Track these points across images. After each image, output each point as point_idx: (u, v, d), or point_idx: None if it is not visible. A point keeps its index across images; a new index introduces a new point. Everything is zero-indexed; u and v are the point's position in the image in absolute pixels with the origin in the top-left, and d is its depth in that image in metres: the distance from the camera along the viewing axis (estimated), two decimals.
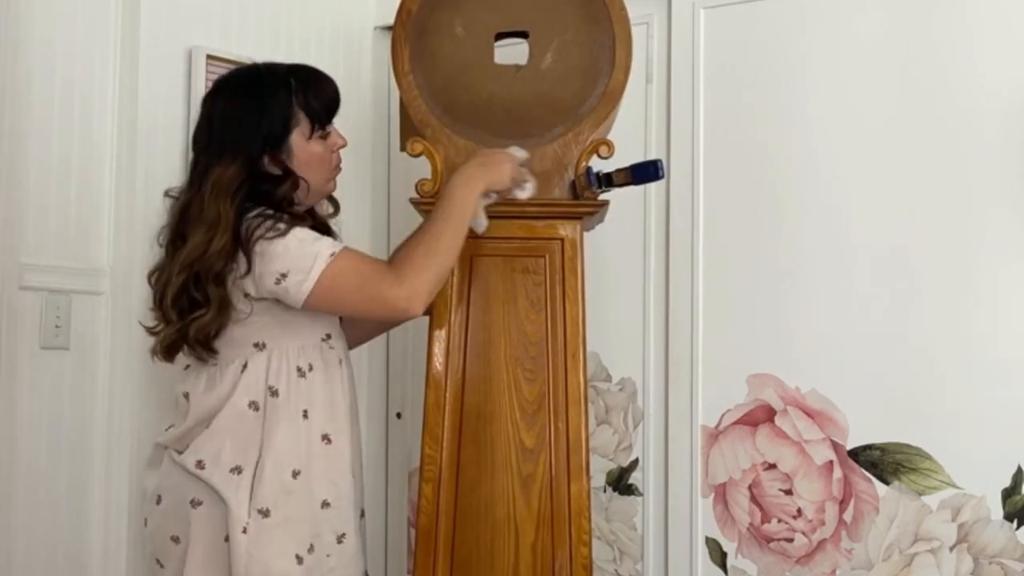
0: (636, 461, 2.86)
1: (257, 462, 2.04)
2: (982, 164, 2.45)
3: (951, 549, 2.45)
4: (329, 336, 2.14)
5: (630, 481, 2.87)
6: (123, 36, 2.73)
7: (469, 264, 2.27)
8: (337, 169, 2.19)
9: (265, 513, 2.02)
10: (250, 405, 2.06)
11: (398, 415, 3.21)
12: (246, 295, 2.04)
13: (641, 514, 2.85)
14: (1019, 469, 2.40)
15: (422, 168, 2.33)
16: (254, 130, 2.07)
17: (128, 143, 2.71)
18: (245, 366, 2.07)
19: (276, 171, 2.08)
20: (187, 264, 2.03)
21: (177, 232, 2.09)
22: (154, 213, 2.69)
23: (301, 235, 2.02)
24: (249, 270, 2.01)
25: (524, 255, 2.27)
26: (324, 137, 2.15)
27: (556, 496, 2.22)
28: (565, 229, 2.27)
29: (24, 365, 2.55)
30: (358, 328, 2.34)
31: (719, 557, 2.73)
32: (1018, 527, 2.40)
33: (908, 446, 2.51)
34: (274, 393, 2.06)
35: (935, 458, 2.48)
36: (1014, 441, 2.40)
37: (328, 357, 2.14)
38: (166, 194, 2.17)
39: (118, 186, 2.71)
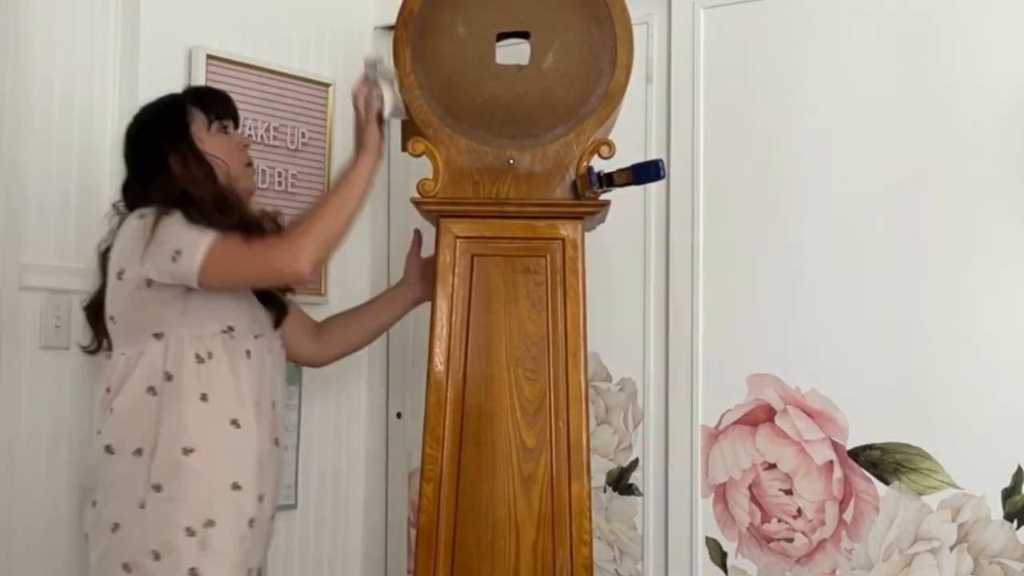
0: (636, 461, 2.86)
1: (153, 442, 2.17)
2: (982, 164, 2.45)
3: (951, 549, 2.46)
4: (232, 328, 2.25)
5: (630, 481, 2.87)
6: (123, 36, 2.73)
7: (470, 264, 2.27)
8: (249, 168, 2.38)
9: (158, 488, 2.16)
10: (148, 390, 2.20)
11: (398, 415, 3.21)
12: (148, 282, 2.18)
13: (641, 514, 2.85)
14: (1019, 469, 2.40)
15: (422, 168, 2.34)
16: (158, 133, 2.32)
17: None
18: (142, 353, 2.21)
19: (182, 164, 2.27)
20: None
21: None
22: None
23: (186, 225, 2.17)
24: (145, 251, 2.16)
25: (525, 255, 2.27)
26: (224, 131, 2.35)
27: (557, 496, 2.22)
28: (566, 229, 2.27)
29: (24, 365, 2.54)
30: (349, 332, 2.54)
31: (719, 557, 2.73)
32: (1018, 527, 2.40)
33: (908, 446, 2.51)
34: (169, 378, 2.20)
35: (935, 458, 2.48)
36: (1014, 441, 2.40)
37: (231, 348, 2.24)
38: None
39: (118, 186, 2.71)
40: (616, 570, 2.88)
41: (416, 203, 2.30)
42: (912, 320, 2.51)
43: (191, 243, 2.14)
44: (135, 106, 2.67)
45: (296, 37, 3.06)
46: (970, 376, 2.44)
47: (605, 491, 2.89)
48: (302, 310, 2.59)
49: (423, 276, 2.54)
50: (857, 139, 2.59)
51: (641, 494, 2.86)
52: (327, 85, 3.09)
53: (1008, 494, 2.41)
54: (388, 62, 2.31)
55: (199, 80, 2.77)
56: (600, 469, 2.87)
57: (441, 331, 2.26)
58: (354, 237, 3.17)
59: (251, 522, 2.22)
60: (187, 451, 2.17)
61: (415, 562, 2.24)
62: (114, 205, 2.36)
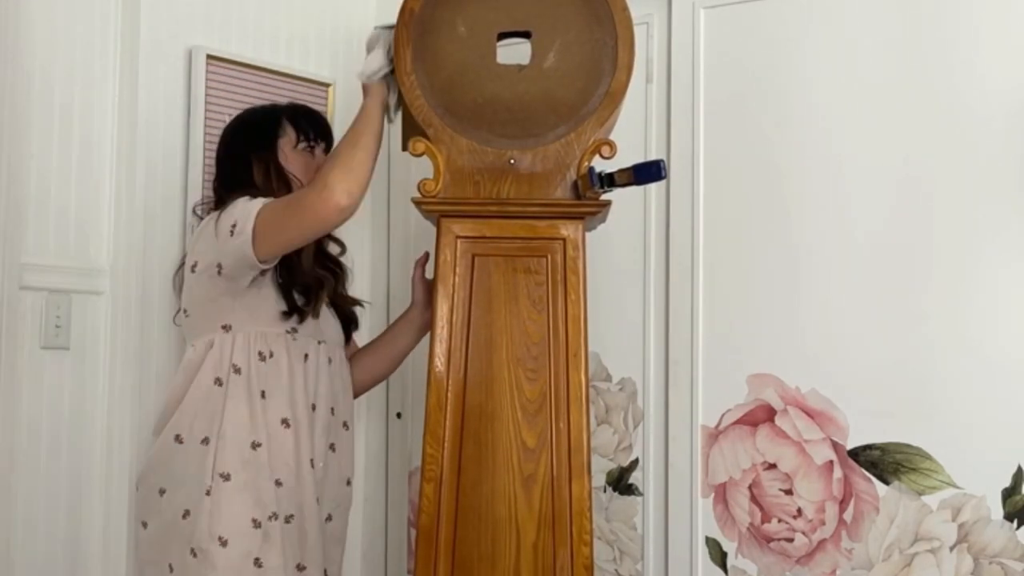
0: (636, 461, 2.86)
1: (219, 432, 2.28)
2: (984, 163, 2.45)
3: (951, 549, 2.46)
4: (295, 330, 2.37)
5: (630, 481, 2.87)
6: (123, 36, 2.73)
7: (471, 264, 2.27)
8: None
9: (226, 477, 2.27)
10: (215, 381, 2.32)
11: (398, 415, 3.21)
12: (219, 268, 2.29)
13: (641, 514, 2.85)
14: (1019, 469, 2.40)
15: (423, 168, 2.33)
16: (248, 139, 2.47)
17: (128, 143, 2.71)
18: (211, 345, 2.33)
19: (263, 173, 2.41)
20: None
21: None
22: (154, 213, 2.72)
23: (245, 201, 2.29)
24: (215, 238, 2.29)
25: (526, 255, 2.27)
26: (310, 151, 2.47)
27: (557, 496, 2.22)
28: (567, 229, 2.27)
29: (24, 365, 2.54)
30: (374, 360, 2.61)
31: (719, 557, 2.73)
32: (1018, 527, 2.40)
33: (908, 446, 2.51)
34: (237, 370, 2.31)
35: (935, 458, 2.48)
36: (1014, 441, 2.40)
37: (293, 348, 2.36)
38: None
39: (118, 186, 2.71)
40: (616, 570, 2.88)
41: (417, 203, 2.30)
42: (912, 320, 2.51)
43: (244, 215, 2.25)
44: (135, 106, 2.69)
45: (296, 37, 3.06)
46: (970, 376, 2.44)
47: (605, 491, 2.89)
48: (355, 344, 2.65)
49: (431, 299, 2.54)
50: (857, 139, 2.59)
51: (641, 494, 2.86)
52: (327, 85, 3.09)
53: (1008, 494, 2.41)
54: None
55: (199, 80, 2.77)
56: (600, 469, 2.87)
57: (441, 331, 2.26)
58: (354, 237, 3.19)
59: (288, 518, 2.32)
60: (256, 445, 2.29)
61: (415, 562, 2.24)
62: (194, 210, 2.53)
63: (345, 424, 2.48)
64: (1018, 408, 2.40)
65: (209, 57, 2.80)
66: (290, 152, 2.45)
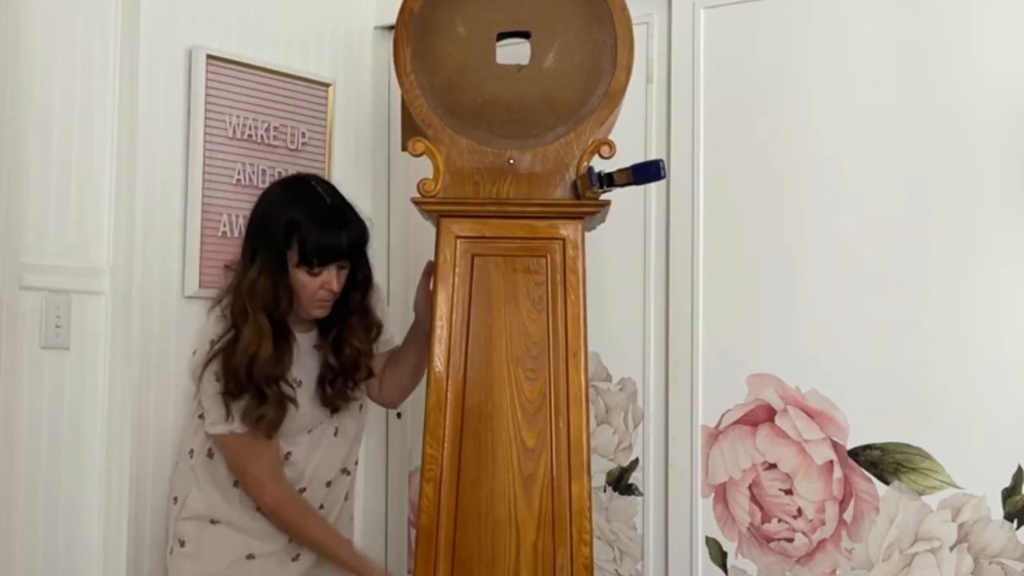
0: (636, 461, 2.86)
1: (183, 501, 2.47)
2: (983, 164, 2.45)
3: (951, 549, 2.46)
4: (289, 454, 2.44)
5: (630, 481, 2.87)
6: (123, 36, 2.73)
7: (471, 263, 2.27)
8: (321, 303, 2.39)
9: (182, 544, 2.46)
10: (206, 452, 2.44)
11: (398, 415, 3.21)
12: None
13: (641, 514, 2.85)
14: (1019, 469, 2.40)
15: (422, 168, 2.33)
16: (264, 229, 2.39)
17: (128, 143, 2.71)
18: (201, 424, 2.43)
19: (260, 269, 2.36)
20: None
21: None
22: (154, 213, 2.72)
23: (227, 388, 2.35)
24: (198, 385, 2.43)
25: (526, 255, 2.27)
26: (314, 274, 2.36)
27: (557, 496, 2.22)
28: (567, 229, 2.27)
29: (24, 365, 2.54)
30: (398, 370, 2.59)
31: (719, 557, 2.73)
32: (1018, 527, 2.40)
33: (908, 446, 2.51)
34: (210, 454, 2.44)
35: (935, 458, 2.48)
36: (1014, 441, 2.40)
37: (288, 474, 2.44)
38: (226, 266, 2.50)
39: (118, 186, 2.71)
40: (616, 570, 2.88)
41: (416, 203, 2.30)
42: (912, 320, 2.51)
43: (214, 419, 2.37)
44: (135, 106, 2.69)
45: (296, 37, 3.06)
46: (970, 376, 2.44)
47: (605, 491, 2.89)
48: (380, 355, 2.60)
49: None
50: (857, 139, 2.59)
51: (641, 494, 2.86)
52: (327, 85, 3.09)
53: (1008, 494, 2.41)
54: None
55: (199, 80, 2.77)
56: (600, 469, 2.87)
57: (441, 331, 2.26)
58: None
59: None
60: (214, 521, 2.45)
61: (415, 562, 2.24)
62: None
63: (345, 471, 2.55)
64: (1018, 408, 2.40)
65: (209, 57, 2.80)
66: (293, 267, 2.35)
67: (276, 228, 2.35)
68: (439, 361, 2.25)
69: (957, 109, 2.48)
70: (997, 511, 2.42)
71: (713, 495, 2.75)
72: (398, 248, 3.23)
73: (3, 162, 2.47)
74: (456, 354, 2.25)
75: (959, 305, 2.47)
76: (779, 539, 2.66)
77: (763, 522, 2.68)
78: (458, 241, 2.28)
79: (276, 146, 2.97)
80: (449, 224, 2.28)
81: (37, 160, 2.58)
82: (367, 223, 2.44)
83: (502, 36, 2.32)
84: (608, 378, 2.90)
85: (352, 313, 2.45)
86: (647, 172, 2.17)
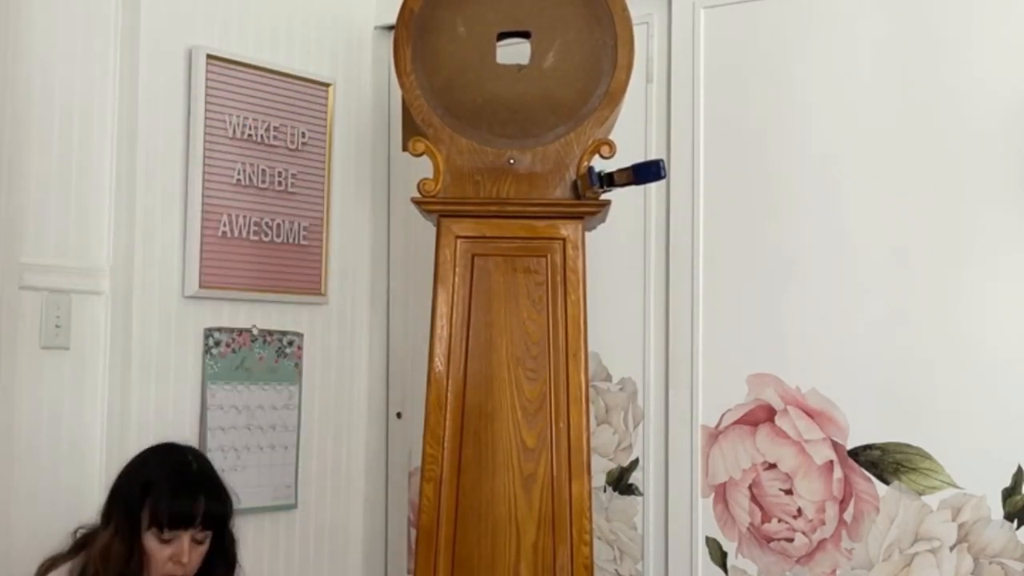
0: (636, 461, 2.86)
1: None
2: (982, 164, 2.45)
3: (951, 549, 2.46)
4: None
5: (630, 481, 2.87)
6: (123, 36, 2.73)
7: (471, 263, 2.27)
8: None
9: None
10: None
11: (398, 415, 3.21)
12: None
13: (641, 514, 2.85)
14: (1019, 469, 2.40)
15: (422, 168, 2.33)
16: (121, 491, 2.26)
17: (128, 143, 2.71)
18: None
19: (114, 532, 2.20)
20: None
21: None
22: (154, 213, 2.72)
23: None
24: None
25: (526, 255, 2.27)
26: (165, 541, 2.20)
27: (557, 496, 2.22)
28: (567, 229, 2.27)
29: (24, 365, 2.54)
30: None
31: (719, 557, 2.73)
32: (1018, 527, 2.40)
33: (908, 446, 2.51)
34: None
35: (935, 458, 2.48)
36: (1014, 441, 2.40)
37: None
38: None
39: (118, 186, 2.71)
40: (616, 570, 2.88)
41: (416, 203, 2.30)
42: (912, 320, 2.51)
43: None
44: (135, 106, 2.69)
45: (296, 37, 3.06)
46: (970, 376, 2.44)
47: (605, 491, 2.89)
48: None
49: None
50: (857, 139, 2.59)
51: (641, 494, 2.85)
52: (327, 85, 3.09)
53: (1008, 494, 2.41)
54: None
55: (199, 80, 2.77)
56: (600, 469, 2.87)
57: (441, 331, 2.26)
58: (354, 238, 3.19)
59: None
60: None
61: (415, 562, 2.24)
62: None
63: None
64: (1018, 408, 2.40)
65: (209, 57, 2.80)
66: (144, 530, 2.21)
67: (132, 487, 2.24)
68: (439, 361, 2.25)
69: (957, 110, 2.48)
70: (997, 511, 2.42)
71: (713, 495, 2.75)
72: (398, 248, 3.23)
73: (3, 162, 2.48)
74: (456, 354, 2.25)
75: (959, 305, 2.47)
76: (779, 539, 2.66)
77: (763, 522, 2.68)
78: (458, 241, 2.28)
79: (276, 146, 2.97)
80: (449, 224, 2.28)
81: (37, 160, 2.58)
82: (233, 498, 2.31)
83: (502, 36, 2.32)
84: (608, 378, 2.90)
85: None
86: (647, 172, 2.18)
